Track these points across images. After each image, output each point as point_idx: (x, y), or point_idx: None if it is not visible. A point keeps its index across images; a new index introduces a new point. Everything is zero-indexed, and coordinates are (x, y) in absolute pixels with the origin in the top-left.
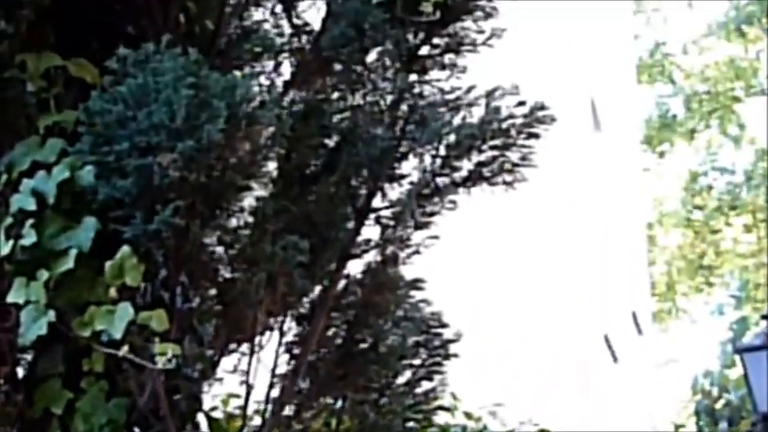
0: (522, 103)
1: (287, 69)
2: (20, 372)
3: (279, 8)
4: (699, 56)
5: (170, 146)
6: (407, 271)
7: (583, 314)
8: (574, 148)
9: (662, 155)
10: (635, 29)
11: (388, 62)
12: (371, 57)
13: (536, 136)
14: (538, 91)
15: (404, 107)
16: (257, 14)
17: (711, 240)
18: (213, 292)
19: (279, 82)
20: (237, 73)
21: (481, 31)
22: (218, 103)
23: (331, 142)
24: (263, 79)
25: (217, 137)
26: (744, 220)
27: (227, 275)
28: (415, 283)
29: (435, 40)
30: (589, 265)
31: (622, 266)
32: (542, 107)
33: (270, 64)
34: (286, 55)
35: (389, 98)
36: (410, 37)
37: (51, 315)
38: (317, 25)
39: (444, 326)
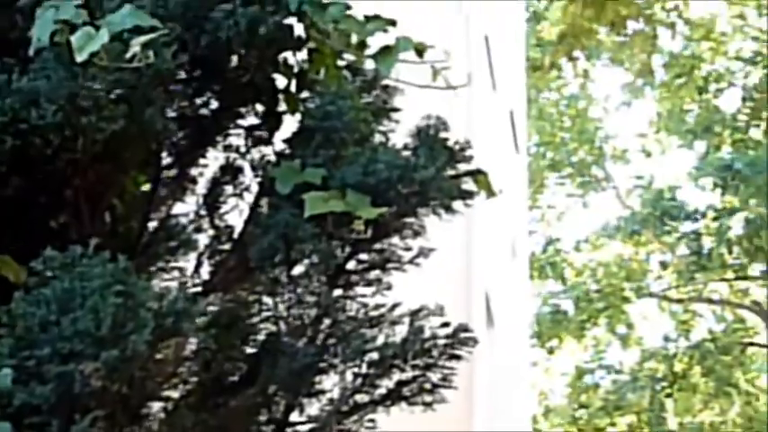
0: (446, 324)
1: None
2: None
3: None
4: (591, 254)
5: (93, 354)
6: None
7: None
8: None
9: (551, 351)
10: (529, 225)
11: (314, 275)
12: (298, 269)
13: (458, 357)
14: (436, 283)
15: (327, 322)
16: (178, 208)
17: None
18: None
19: (198, 281)
20: (165, 284)
21: (408, 249)
22: (145, 312)
23: (253, 350)
24: (179, 278)
25: (142, 347)
26: (628, 420)
27: None
28: None
29: (362, 256)
30: None
31: None
32: (465, 329)
33: (190, 258)
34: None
35: (313, 312)
36: (338, 252)
37: None
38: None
39: None
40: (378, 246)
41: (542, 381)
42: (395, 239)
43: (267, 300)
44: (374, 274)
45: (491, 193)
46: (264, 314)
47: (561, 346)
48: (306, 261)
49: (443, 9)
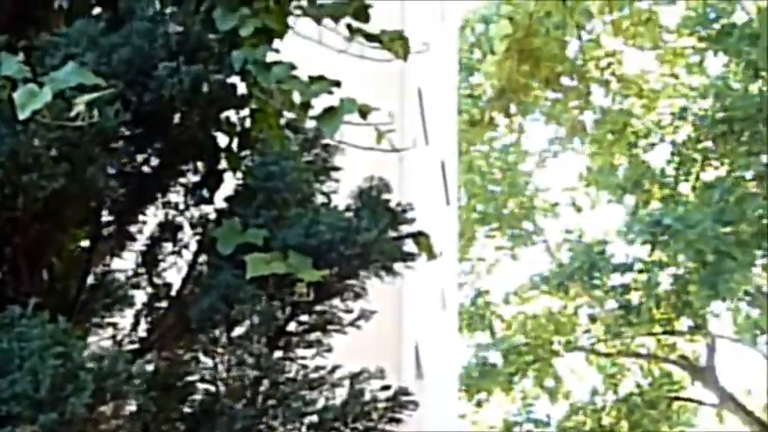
0: (386, 387)
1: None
2: None
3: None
4: (520, 306)
5: (31, 417)
6: None
7: None
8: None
9: (479, 403)
10: (459, 277)
11: (254, 337)
12: (238, 330)
13: (398, 421)
14: (366, 333)
15: (266, 383)
16: (117, 263)
17: None
18: None
19: (135, 338)
20: (106, 343)
21: (349, 311)
22: (85, 375)
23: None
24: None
25: (81, 410)
26: None
27: None
28: None
29: (303, 317)
30: None
31: None
32: (406, 392)
33: (127, 315)
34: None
35: (253, 373)
36: (279, 313)
37: None
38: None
39: None
40: (319, 307)
41: None
42: (336, 301)
43: (206, 360)
44: (315, 335)
45: (432, 256)
46: (203, 374)
47: (489, 398)
48: (246, 322)
49: (377, 61)
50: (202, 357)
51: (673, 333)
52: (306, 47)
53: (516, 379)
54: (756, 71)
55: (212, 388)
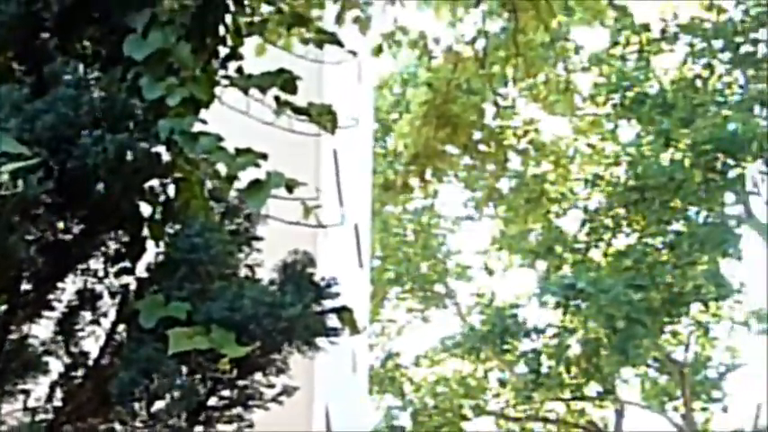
0: None
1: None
2: None
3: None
4: (430, 369)
5: None
6: None
7: None
8: None
9: None
10: (369, 338)
11: (174, 411)
12: (159, 404)
13: None
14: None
15: None
16: (33, 330)
17: None
18: None
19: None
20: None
21: (271, 386)
22: None
23: None
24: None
25: None
26: None
27: None
28: None
29: (225, 392)
30: None
31: None
32: None
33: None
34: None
35: None
36: (200, 388)
37: None
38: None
39: None
40: (241, 382)
41: None
42: (258, 376)
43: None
44: (236, 411)
45: (355, 331)
46: None
47: None
48: (167, 396)
49: (292, 123)
50: (118, 428)
51: (582, 398)
52: (230, 116)
53: None
54: (668, 140)
55: None
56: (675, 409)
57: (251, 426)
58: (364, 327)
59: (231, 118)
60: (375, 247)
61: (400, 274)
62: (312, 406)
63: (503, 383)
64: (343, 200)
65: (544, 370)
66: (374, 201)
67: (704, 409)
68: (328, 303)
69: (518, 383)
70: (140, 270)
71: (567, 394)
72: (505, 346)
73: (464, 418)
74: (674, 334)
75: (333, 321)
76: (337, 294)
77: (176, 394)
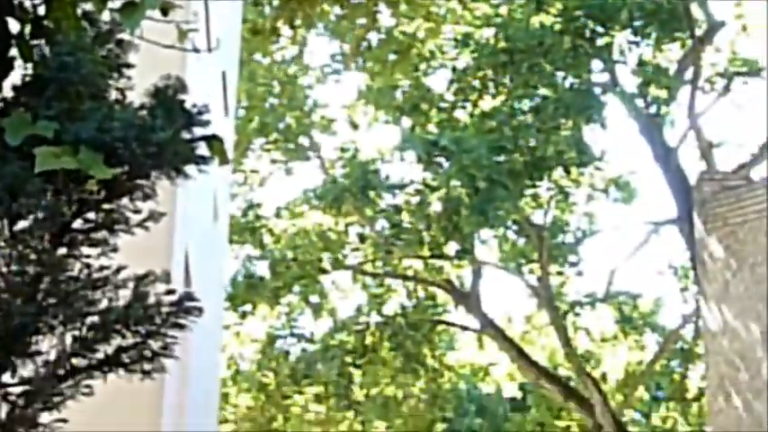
0: (171, 292)
1: None
2: None
3: None
4: (290, 222)
5: None
6: None
7: None
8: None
9: (244, 315)
10: (232, 188)
11: (37, 232)
12: (21, 224)
13: (182, 327)
14: (137, 240)
15: (47, 280)
16: None
17: (282, 405)
18: None
19: None
20: None
21: (138, 211)
22: None
23: None
24: None
25: None
26: (316, 389)
27: None
28: None
29: (90, 215)
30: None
31: (193, 424)
32: (191, 297)
33: None
34: None
35: (34, 270)
36: (65, 209)
37: None
38: None
39: None
40: (107, 206)
41: (233, 345)
42: (125, 201)
43: None
44: (101, 234)
45: (224, 160)
46: None
47: (254, 311)
48: (31, 216)
49: None
50: None
51: (441, 257)
52: None
53: (282, 293)
54: (539, 4)
55: None
56: (532, 271)
57: (115, 250)
58: (232, 158)
59: None
60: (241, 97)
61: (265, 124)
62: (172, 250)
63: (362, 238)
64: (211, 45)
65: (404, 226)
66: (242, 49)
67: (560, 273)
68: (198, 131)
69: (377, 239)
70: (7, 90)
71: (425, 252)
72: (366, 201)
73: (322, 271)
74: (535, 197)
75: (202, 150)
76: (208, 122)
77: (41, 215)
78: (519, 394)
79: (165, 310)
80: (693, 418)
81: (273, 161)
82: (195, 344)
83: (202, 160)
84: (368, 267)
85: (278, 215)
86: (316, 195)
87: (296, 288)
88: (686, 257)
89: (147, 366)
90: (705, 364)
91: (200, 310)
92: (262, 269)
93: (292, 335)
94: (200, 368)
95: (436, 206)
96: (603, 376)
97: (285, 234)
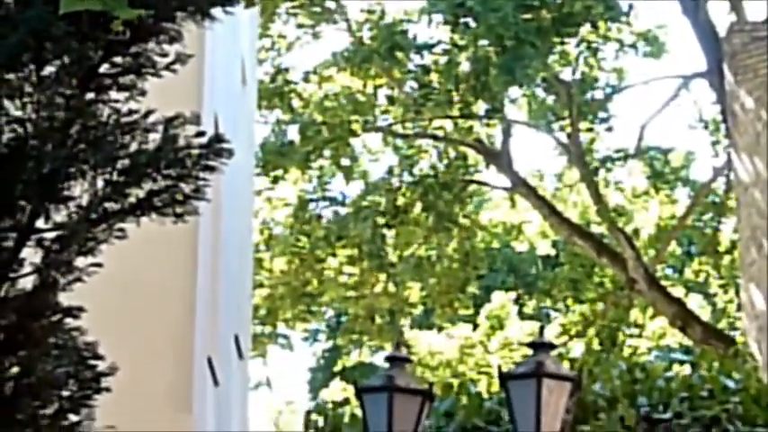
0: (201, 134)
1: None
2: None
3: None
4: (319, 86)
5: None
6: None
7: (189, 336)
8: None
9: (275, 180)
10: (259, 53)
11: (65, 77)
12: (49, 69)
13: (212, 169)
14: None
15: (77, 126)
16: None
17: (316, 269)
18: None
19: None
20: None
21: (164, 54)
22: None
23: None
24: None
25: None
26: (349, 251)
27: None
28: (72, 311)
29: (117, 59)
30: (199, 287)
31: (230, 289)
32: (221, 139)
33: None
34: None
35: (63, 115)
36: (92, 53)
37: None
38: None
39: (98, 357)
40: (134, 49)
41: (265, 210)
42: (151, 44)
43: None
44: (128, 78)
45: (250, 2)
46: (10, 116)
47: (285, 176)
48: (57, 62)
49: None
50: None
51: (470, 117)
52: None
53: (313, 157)
54: None
55: (20, 129)
56: (562, 128)
57: (143, 94)
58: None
59: None
60: None
61: None
62: (200, 114)
63: (391, 100)
64: None
65: (433, 87)
66: None
67: (590, 129)
68: None
69: (406, 100)
70: None
71: (455, 112)
72: (394, 62)
73: (352, 133)
74: (563, 54)
75: None
76: None
77: (67, 59)
78: (552, 252)
79: (195, 152)
80: (726, 270)
81: (300, 25)
82: (230, 210)
83: (228, 2)
84: (398, 128)
85: (306, 79)
86: (344, 58)
87: (326, 151)
88: (717, 110)
89: (179, 210)
90: (737, 217)
91: (230, 152)
92: (292, 133)
93: (324, 198)
94: (234, 235)
95: (465, 66)
96: (636, 231)
97: (314, 98)
